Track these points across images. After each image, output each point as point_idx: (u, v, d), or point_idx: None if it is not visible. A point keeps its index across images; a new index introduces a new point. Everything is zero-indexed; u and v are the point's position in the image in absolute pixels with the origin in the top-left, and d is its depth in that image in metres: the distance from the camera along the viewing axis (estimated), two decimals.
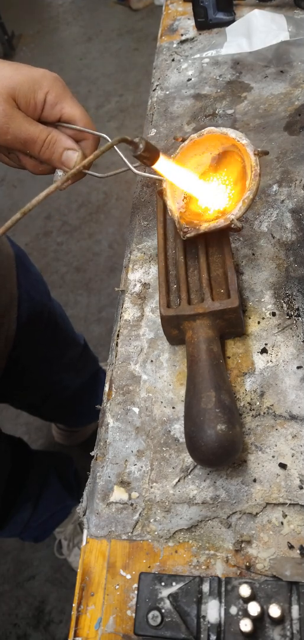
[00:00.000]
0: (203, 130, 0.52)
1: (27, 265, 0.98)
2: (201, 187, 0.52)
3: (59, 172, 0.56)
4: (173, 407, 0.47)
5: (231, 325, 0.47)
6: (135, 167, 0.56)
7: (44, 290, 1.05)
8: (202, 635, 0.35)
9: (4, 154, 0.57)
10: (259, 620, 0.34)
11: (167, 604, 0.36)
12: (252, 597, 0.35)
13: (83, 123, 0.54)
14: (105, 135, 0.55)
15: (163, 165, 0.52)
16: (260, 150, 0.48)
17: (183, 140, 0.53)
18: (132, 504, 0.43)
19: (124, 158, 0.55)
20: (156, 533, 0.42)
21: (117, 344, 0.53)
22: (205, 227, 0.48)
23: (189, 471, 0.44)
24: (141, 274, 0.58)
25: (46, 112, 0.53)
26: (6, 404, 1.28)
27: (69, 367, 1.20)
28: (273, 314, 0.50)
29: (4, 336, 0.89)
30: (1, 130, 0.50)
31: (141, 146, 0.49)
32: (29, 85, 0.51)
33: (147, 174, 0.57)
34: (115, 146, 0.55)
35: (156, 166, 0.52)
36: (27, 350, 0.98)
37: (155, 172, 0.54)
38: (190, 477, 0.43)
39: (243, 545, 0.40)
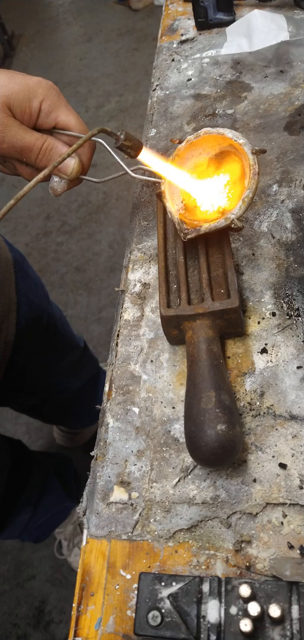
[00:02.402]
0: (199, 131, 0.52)
1: (25, 270, 0.97)
2: (198, 185, 0.52)
3: (55, 179, 0.56)
4: (173, 407, 0.47)
5: (231, 325, 0.47)
6: (132, 170, 0.56)
7: (43, 294, 1.05)
8: (202, 635, 0.35)
9: (0, 162, 0.57)
10: (259, 620, 0.34)
11: (167, 604, 0.36)
12: (252, 597, 0.35)
13: (78, 130, 0.54)
14: (101, 141, 0.56)
15: (147, 157, 0.53)
16: (258, 149, 0.48)
17: (180, 142, 0.53)
18: (132, 504, 0.43)
19: (120, 162, 0.55)
20: (156, 533, 0.42)
21: (117, 344, 0.53)
22: (205, 227, 0.48)
23: (189, 471, 0.44)
24: (141, 274, 0.58)
25: (41, 120, 0.53)
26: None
27: (69, 369, 1.20)
28: (273, 314, 0.50)
29: (3, 341, 0.89)
30: None
31: (122, 136, 0.50)
32: (24, 93, 0.51)
33: (144, 177, 0.57)
34: (111, 150, 0.55)
35: (141, 157, 0.53)
36: (27, 354, 0.98)
37: (150, 174, 0.54)
38: (190, 477, 0.43)
39: (243, 545, 0.40)
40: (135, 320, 0.54)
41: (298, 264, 0.53)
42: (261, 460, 0.43)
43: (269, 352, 0.48)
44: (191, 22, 0.90)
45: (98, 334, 1.80)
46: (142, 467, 0.45)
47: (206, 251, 0.50)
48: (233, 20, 0.85)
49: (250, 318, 0.50)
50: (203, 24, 0.87)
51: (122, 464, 0.45)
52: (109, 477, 0.45)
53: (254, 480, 0.42)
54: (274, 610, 0.34)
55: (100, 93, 2.83)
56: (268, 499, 0.41)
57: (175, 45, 0.88)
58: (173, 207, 0.51)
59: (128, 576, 0.40)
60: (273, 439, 0.43)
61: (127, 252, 0.61)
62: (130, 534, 0.42)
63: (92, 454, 0.47)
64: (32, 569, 1.38)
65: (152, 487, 0.44)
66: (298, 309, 0.50)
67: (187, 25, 0.91)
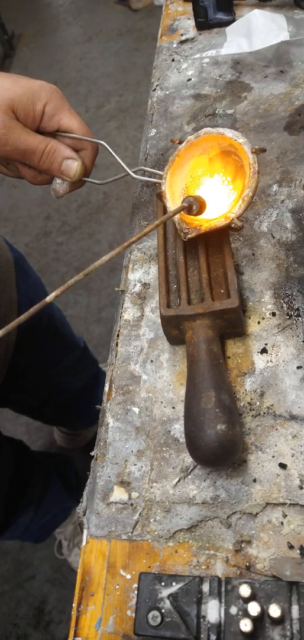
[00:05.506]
0: (199, 131, 0.52)
1: (26, 270, 0.98)
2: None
3: (58, 180, 0.56)
4: (173, 407, 0.47)
5: (231, 325, 0.47)
6: (133, 171, 0.56)
7: (43, 294, 1.05)
8: (202, 635, 0.35)
9: (3, 165, 0.58)
10: (259, 620, 0.34)
11: (167, 604, 0.36)
12: (252, 597, 0.35)
13: (81, 133, 0.55)
14: (103, 143, 0.56)
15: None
16: (258, 148, 0.48)
17: (180, 142, 0.53)
18: (132, 504, 0.43)
19: (122, 163, 0.55)
20: (156, 533, 0.42)
21: (117, 344, 0.53)
22: (205, 227, 0.48)
23: (189, 471, 0.44)
24: (141, 274, 0.58)
25: (44, 122, 0.53)
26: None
27: (69, 369, 1.20)
28: (273, 314, 0.50)
29: (5, 341, 0.89)
30: (0, 141, 0.50)
31: (194, 207, 0.48)
32: (28, 97, 0.51)
33: (145, 178, 0.57)
34: (111, 150, 0.56)
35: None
36: (28, 355, 0.98)
37: (151, 175, 0.54)
38: (190, 477, 0.43)
39: (243, 545, 0.40)
40: (135, 320, 0.54)
41: (298, 264, 0.53)
42: (261, 460, 0.43)
43: (269, 352, 0.48)
44: (191, 22, 0.90)
45: (98, 334, 1.80)
46: (142, 467, 0.45)
47: (206, 251, 0.50)
48: (233, 20, 0.85)
49: (250, 318, 0.50)
50: (203, 24, 0.87)
51: (122, 464, 0.45)
52: (109, 477, 0.45)
53: (255, 480, 0.42)
54: (274, 610, 0.34)
55: (100, 93, 2.83)
56: (268, 499, 0.41)
57: (175, 45, 0.88)
58: (173, 207, 0.51)
59: (128, 576, 0.40)
60: (273, 439, 0.43)
61: (127, 252, 0.61)
62: (130, 534, 0.42)
63: (92, 454, 0.47)
64: (32, 569, 1.38)
65: (152, 487, 0.44)
66: (298, 309, 0.50)
67: (187, 25, 0.91)
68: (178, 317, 0.47)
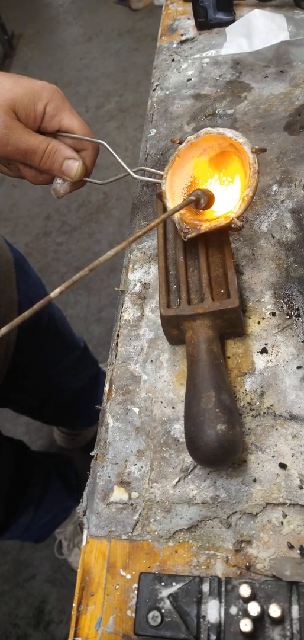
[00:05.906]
0: (199, 131, 0.52)
1: (26, 270, 0.98)
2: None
3: (58, 180, 0.56)
4: (173, 407, 0.47)
5: (231, 325, 0.47)
6: (134, 171, 0.56)
7: (43, 294, 1.05)
8: (202, 635, 0.35)
9: (4, 165, 0.58)
10: (259, 620, 0.34)
11: (167, 604, 0.36)
12: (252, 597, 0.35)
13: (81, 133, 0.55)
14: (103, 143, 0.56)
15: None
16: (258, 148, 0.48)
17: (180, 142, 0.53)
18: (132, 504, 0.43)
19: (122, 163, 0.55)
20: (156, 533, 0.42)
21: (117, 344, 0.53)
22: (205, 227, 0.48)
23: (189, 471, 0.44)
24: (141, 274, 0.58)
25: (45, 123, 0.53)
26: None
27: (69, 369, 1.20)
28: (273, 314, 0.50)
29: (5, 341, 0.89)
30: (1, 142, 0.50)
31: (202, 201, 0.48)
32: (29, 97, 0.51)
33: (145, 178, 0.57)
34: (112, 150, 0.56)
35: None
36: (28, 355, 0.98)
37: (151, 175, 0.54)
38: (190, 477, 0.43)
39: (243, 545, 0.40)
40: (135, 320, 0.54)
41: (298, 264, 0.53)
42: (261, 460, 0.43)
43: (269, 352, 0.48)
44: (191, 22, 0.90)
45: (98, 334, 1.80)
46: (142, 467, 0.45)
47: (206, 251, 0.50)
48: (233, 20, 0.85)
49: (250, 318, 0.50)
50: (203, 24, 0.87)
51: (122, 464, 0.45)
52: (109, 477, 0.45)
53: (255, 480, 0.42)
54: (274, 610, 0.34)
55: (100, 93, 2.83)
56: (268, 499, 0.41)
57: (175, 45, 0.88)
58: (173, 206, 0.51)
59: (128, 576, 0.40)
60: (273, 439, 0.43)
61: (127, 252, 0.61)
62: (130, 534, 0.42)
63: (92, 454, 0.47)
64: (32, 569, 1.38)
65: (152, 487, 0.44)
66: (298, 309, 0.50)
67: (187, 25, 0.91)
68: (178, 317, 0.47)
